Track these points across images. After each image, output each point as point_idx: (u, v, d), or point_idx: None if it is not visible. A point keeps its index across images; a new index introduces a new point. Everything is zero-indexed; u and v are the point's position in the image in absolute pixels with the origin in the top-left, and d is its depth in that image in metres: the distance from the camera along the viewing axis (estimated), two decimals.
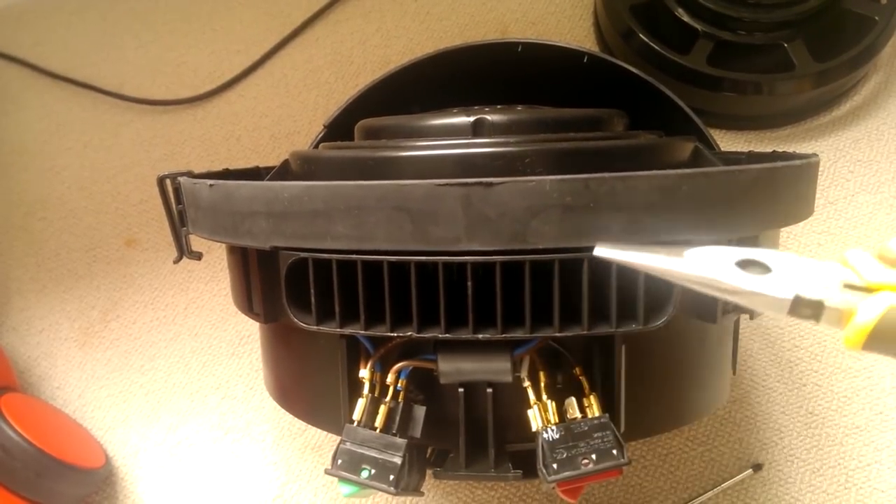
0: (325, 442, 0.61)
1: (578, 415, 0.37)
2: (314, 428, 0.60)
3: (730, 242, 0.37)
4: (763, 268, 0.26)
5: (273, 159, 0.49)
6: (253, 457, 0.61)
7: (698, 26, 0.68)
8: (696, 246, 0.28)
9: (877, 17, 0.66)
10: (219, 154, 0.76)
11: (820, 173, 0.68)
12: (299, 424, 0.62)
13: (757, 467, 0.57)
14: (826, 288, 0.25)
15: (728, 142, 0.71)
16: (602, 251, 0.28)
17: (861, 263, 0.26)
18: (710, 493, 0.56)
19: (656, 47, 0.67)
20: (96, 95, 0.79)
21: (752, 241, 0.38)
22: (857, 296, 0.25)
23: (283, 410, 0.47)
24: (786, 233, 0.65)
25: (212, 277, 0.69)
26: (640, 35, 0.68)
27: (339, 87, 0.78)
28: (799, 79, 0.66)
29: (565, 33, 0.78)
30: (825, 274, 0.26)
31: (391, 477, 0.37)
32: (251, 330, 0.67)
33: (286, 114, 0.77)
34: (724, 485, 0.57)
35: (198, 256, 0.44)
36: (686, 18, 0.69)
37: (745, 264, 0.26)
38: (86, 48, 0.82)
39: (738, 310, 0.33)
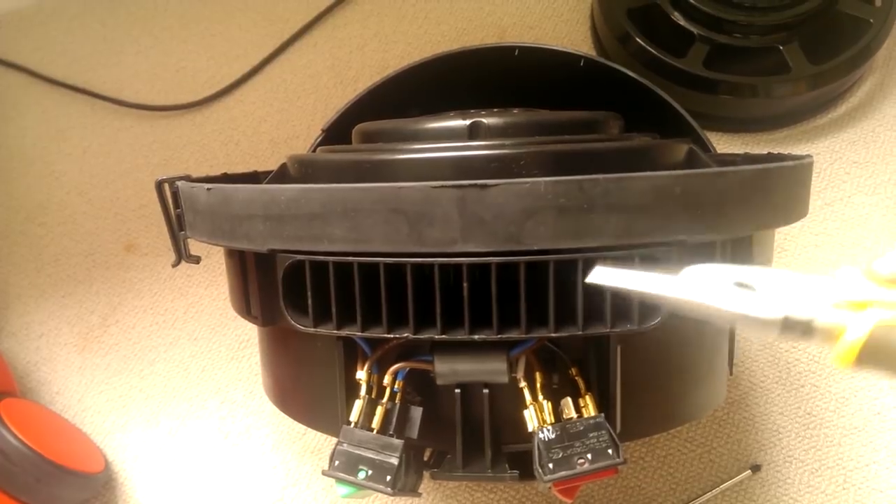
0: (324, 445, 0.61)
1: (574, 415, 0.37)
2: (313, 431, 0.60)
3: (723, 245, 0.37)
4: (752, 288, 0.26)
5: (272, 164, 0.49)
6: (253, 460, 0.62)
7: (694, 30, 0.68)
8: (689, 264, 0.28)
9: (871, 20, 0.66)
10: (218, 159, 0.76)
11: (816, 175, 0.69)
12: (299, 428, 0.62)
13: (755, 468, 0.57)
14: (815, 306, 0.25)
15: (725, 144, 0.71)
16: (596, 277, 0.28)
17: (850, 281, 0.26)
18: (708, 495, 0.57)
19: (653, 51, 0.67)
20: (95, 101, 0.79)
21: (746, 242, 0.39)
22: (846, 313, 0.25)
23: (282, 414, 0.48)
24: (782, 234, 0.66)
25: (211, 282, 0.70)
26: (637, 39, 0.68)
27: (338, 92, 0.78)
28: (795, 81, 0.66)
29: (562, 37, 0.78)
30: (814, 291, 0.26)
31: (388, 477, 0.37)
32: (250, 334, 0.67)
33: (285, 119, 0.78)
34: (723, 486, 0.57)
35: (196, 260, 0.45)
36: (682, 22, 0.69)
37: (738, 284, 0.26)
38: (85, 54, 0.82)
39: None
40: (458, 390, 0.38)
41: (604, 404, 0.37)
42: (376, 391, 0.39)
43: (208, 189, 0.39)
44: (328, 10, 0.82)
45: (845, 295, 0.25)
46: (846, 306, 0.25)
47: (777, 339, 0.26)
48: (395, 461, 0.37)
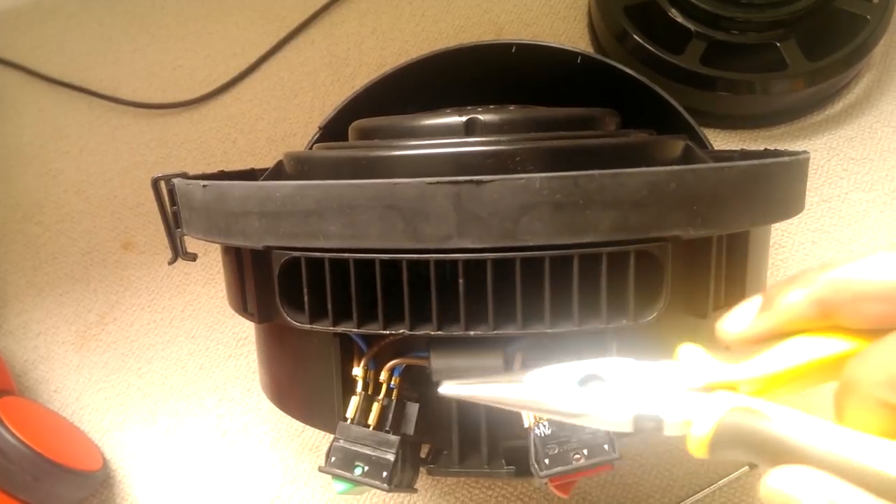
0: (322, 443, 0.61)
1: None
2: (312, 429, 0.60)
3: (720, 240, 0.37)
4: (603, 383, 0.26)
5: (269, 161, 0.49)
6: (251, 458, 0.62)
7: (691, 26, 0.68)
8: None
9: (868, 16, 0.66)
10: (215, 157, 0.76)
11: (814, 171, 0.69)
12: (297, 425, 0.62)
13: (753, 465, 0.57)
14: (663, 399, 0.25)
15: (722, 141, 0.71)
16: (445, 390, 0.28)
17: (694, 363, 0.26)
18: (705, 491, 0.57)
19: (650, 48, 0.67)
20: (92, 99, 0.79)
21: (742, 237, 0.38)
22: (694, 402, 0.24)
23: (280, 412, 0.48)
24: (780, 230, 0.66)
25: (209, 280, 0.70)
26: (634, 36, 0.68)
27: (335, 90, 0.78)
28: (792, 78, 0.66)
29: (560, 34, 0.78)
30: (665, 380, 0.25)
31: (384, 473, 0.37)
32: (248, 332, 0.67)
33: (282, 116, 0.77)
34: (720, 482, 0.57)
35: (192, 257, 0.45)
36: (679, 19, 0.69)
37: (585, 381, 0.26)
38: (82, 52, 0.82)
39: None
40: None
41: None
42: (372, 388, 0.39)
43: (204, 186, 0.39)
44: (325, 8, 0.82)
45: (689, 382, 0.25)
46: (694, 392, 0.25)
47: (633, 437, 0.26)
48: (391, 457, 0.37)
